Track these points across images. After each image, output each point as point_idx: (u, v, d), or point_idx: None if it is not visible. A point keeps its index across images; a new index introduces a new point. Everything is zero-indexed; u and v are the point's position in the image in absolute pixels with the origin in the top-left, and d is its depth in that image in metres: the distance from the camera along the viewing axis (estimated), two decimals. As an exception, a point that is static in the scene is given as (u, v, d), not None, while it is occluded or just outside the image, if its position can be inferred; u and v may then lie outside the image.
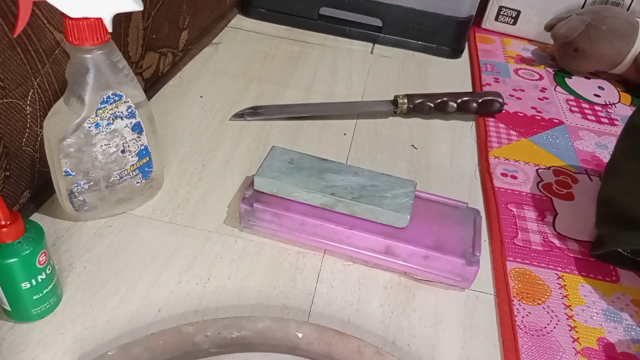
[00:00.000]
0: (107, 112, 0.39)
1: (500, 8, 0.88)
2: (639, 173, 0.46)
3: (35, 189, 0.44)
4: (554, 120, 0.68)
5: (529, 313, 0.42)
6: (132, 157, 0.43)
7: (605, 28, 0.74)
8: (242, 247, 0.44)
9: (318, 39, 0.80)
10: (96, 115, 0.39)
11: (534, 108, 0.70)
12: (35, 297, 0.35)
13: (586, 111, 0.71)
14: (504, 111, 0.67)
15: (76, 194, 0.42)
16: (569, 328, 0.41)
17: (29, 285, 0.34)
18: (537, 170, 0.58)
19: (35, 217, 0.44)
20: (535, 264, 0.46)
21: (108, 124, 0.40)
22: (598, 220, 0.49)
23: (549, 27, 0.80)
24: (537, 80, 0.78)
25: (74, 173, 0.40)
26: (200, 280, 0.41)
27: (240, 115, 0.60)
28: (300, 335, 0.36)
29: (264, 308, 0.40)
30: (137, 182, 0.45)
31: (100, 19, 0.35)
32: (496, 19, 0.90)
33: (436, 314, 0.41)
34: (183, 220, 0.46)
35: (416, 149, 0.59)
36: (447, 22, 0.78)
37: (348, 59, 0.77)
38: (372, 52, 0.80)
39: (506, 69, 0.80)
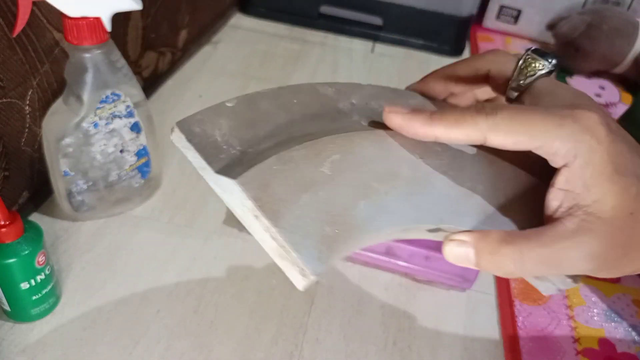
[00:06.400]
0: (106, 112, 0.39)
1: (502, 7, 0.88)
2: None
3: (34, 189, 0.44)
4: (555, 119, 0.67)
5: (530, 313, 0.42)
6: (130, 156, 0.43)
7: (606, 27, 0.74)
8: (241, 248, 0.44)
9: (318, 37, 0.80)
10: (95, 115, 0.39)
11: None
12: (34, 298, 0.35)
13: (587, 111, 0.70)
14: (504, 110, 0.67)
15: (75, 194, 0.42)
16: (570, 328, 0.41)
17: (28, 286, 0.34)
18: (537, 170, 0.57)
19: (34, 217, 0.44)
20: (536, 264, 0.46)
21: (107, 124, 0.40)
22: None
23: (550, 27, 0.80)
24: (537, 79, 0.77)
25: (73, 173, 0.40)
26: (200, 281, 0.41)
27: (240, 115, 0.60)
28: None
29: (264, 308, 0.39)
30: (136, 182, 0.45)
31: (99, 18, 0.35)
32: (497, 17, 0.89)
33: (437, 315, 0.41)
34: (182, 220, 0.46)
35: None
36: (448, 21, 0.78)
37: (348, 57, 0.76)
38: (372, 51, 0.79)
39: (507, 68, 0.80)
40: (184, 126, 0.24)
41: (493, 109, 0.24)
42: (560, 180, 0.24)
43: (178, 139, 0.24)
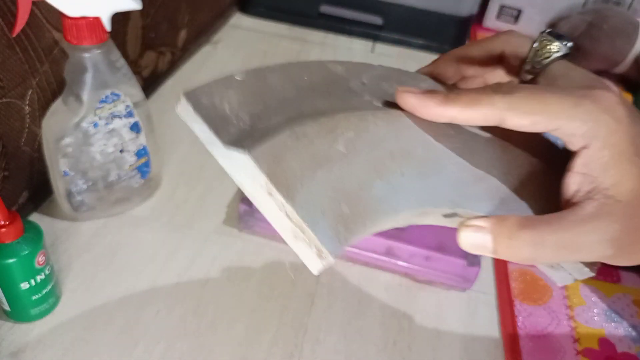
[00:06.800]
0: (106, 112, 0.39)
1: (502, 7, 0.88)
2: None
3: (33, 189, 0.44)
4: (555, 119, 0.67)
5: (530, 313, 0.41)
6: (130, 156, 0.43)
7: (607, 27, 0.74)
8: (241, 248, 0.44)
9: (318, 37, 0.80)
10: (94, 115, 0.39)
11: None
12: (34, 298, 0.35)
13: (587, 110, 0.70)
14: (504, 110, 0.67)
15: (75, 194, 0.41)
16: (570, 328, 0.41)
17: (28, 286, 0.34)
18: (538, 170, 0.57)
19: (34, 217, 0.44)
20: (536, 264, 0.46)
21: (106, 124, 0.40)
22: None
23: (551, 26, 0.80)
24: (537, 79, 0.77)
25: (73, 173, 0.40)
26: (199, 281, 0.41)
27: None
28: None
29: (264, 308, 0.39)
30: (136, 182, 0.44)
31: (99, 18, 0.35)
32: (497, 17, 0.89)
33: (437, 315, 0.41)
34: (182, 220, 0.46)
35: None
36: (448, 21, 0.78)
37: (348, 57, 0.76)
38: (372, 51, 0.79)
39: (507, 67, 0.80)
40: (192, 97, 0.23)
41: (510, 88, 0.23)
42: (578, 164, 0.23)
43: (185, 110, 0.22)
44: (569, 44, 0.27)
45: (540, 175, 0.27)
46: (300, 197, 0.20)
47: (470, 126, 0.27)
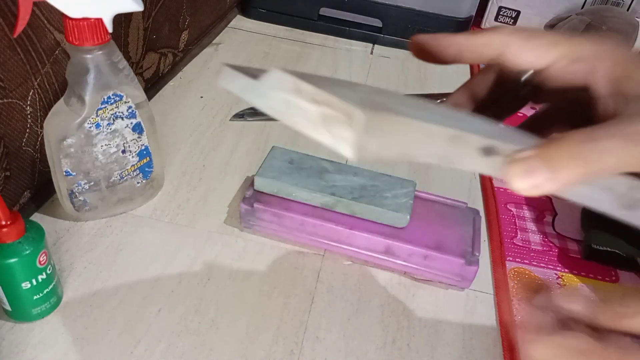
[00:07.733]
0: (108, 113, 0.39)
1: (500, 8, 0.88)
2: None
3: (35, 189, 0.44)
4: (554, 120, 0.68)
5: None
6: (132, 157, 0.43)
7: (605, 28, 0.74)
8: (242, 247, 0.44)
9: (318, 39, 0.81)
10: (97, 116, 0.39)
11: (533, 108, 0.70)
12: (35, 297, 0.35)
13: (586, 111, 0.71)
14: (503, 111, 0.67)
15: (77, 194, 0.42)
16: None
17: (29, 285, 0.34)
18: (537, 170, 0.58)
19: (36, 217, 0.44)
20: (535, 264, 0.46)
21: (108, 124, 0.40)
22: (582, 223, 0.50)
23: (549, 28, 0.81)
24: (537, 80, 0.78)
25: (75, 173, 0.41)
26: (201, 280, 0.41)
27: (240, 116, 0.60)
28: None
29: (265, 307, 0.40)
30: (138, 182, 0.45)
31: (101, 19, 0.35)
32: (496, 19, 0.90)
33: (436, 314, 0.41)
34: (183, 220, 0.46)
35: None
36: (446, 23, 0.78)
37: (348, 59, 0.77)
38: (372, 53, 0.80)
39: (506, 69, 0.80)
40: (231, 65, 0.25)
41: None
42: (601, 87, 0.22)
43: (225, 75, 0.23)
44: None
45: None
46: (329, 92, 0.19)
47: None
